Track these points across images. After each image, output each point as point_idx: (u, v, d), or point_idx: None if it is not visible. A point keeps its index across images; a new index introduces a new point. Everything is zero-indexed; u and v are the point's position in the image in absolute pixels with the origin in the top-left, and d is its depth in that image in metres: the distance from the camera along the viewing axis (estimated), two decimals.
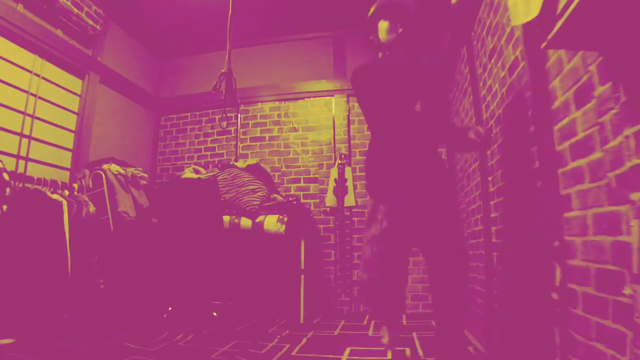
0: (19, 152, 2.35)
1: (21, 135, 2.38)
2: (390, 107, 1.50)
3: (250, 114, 3.66)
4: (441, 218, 1.44)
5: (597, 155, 0.93)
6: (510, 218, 1.64)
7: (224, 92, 1.69)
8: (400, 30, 1.53)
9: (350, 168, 3.28)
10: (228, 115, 1.71)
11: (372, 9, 1.58)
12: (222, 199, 2.90)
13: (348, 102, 3.42)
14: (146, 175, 3.00)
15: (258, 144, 3.59)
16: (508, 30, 1.56)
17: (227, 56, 1.76)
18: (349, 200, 3.20)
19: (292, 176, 3.44)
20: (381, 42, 1.57)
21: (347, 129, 3.38)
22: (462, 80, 2.52)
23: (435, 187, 1.46)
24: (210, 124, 3.75)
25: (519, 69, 1.47)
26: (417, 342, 2.06)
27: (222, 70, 1.69)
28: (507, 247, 1.68)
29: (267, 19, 3.44)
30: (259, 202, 2.90)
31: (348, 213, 3.21)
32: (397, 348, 1.68)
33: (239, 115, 3.67)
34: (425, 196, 1.43)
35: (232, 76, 1.72)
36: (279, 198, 3.00)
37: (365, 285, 1.49)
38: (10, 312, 1.79)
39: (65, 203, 2.08)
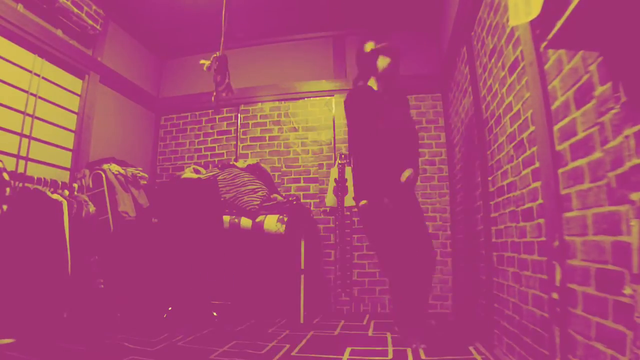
0: (19, 152, 2.35)
1: (21, 135, 2.38)
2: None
3: (250, 114, 3.66)
4: None
5: (597, 155, 0.93)
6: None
7: (214, 73, 1.68)
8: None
9: (350, 168, 3.27)
10: (221, 105, 1.75)
11: (371, 46, 2.08)
12: (222, 199, 2.90)
13: None
14: (146, 175, 2.99)
15: (258, 144, 3.59)
16: (508, 30, 1.57)
17: (221, 39, 1.74)
18: (349, 200, 3.20)
19: (292, 176, 3.44)
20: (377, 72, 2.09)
21: (347, 129, 3.38)
22: (462, 80, 2.52)
23: None
24: (210, 124, 3.75)
25: (519, 69, 1.47)
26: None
27: (216, 54, 1.67)
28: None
29: (267, 19, 3.44)
30: (259, 202, 2.90)
31: (348, 213, 3.21)
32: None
33: (239, 115, 3.67)
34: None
35: (226, 60, 1.72)
36: (279, 198, 3.00)
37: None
38: (10, 312, 1.79)
39: (65, 203, 2.08)
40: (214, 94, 1.69)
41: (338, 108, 3.41)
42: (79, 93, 2.89)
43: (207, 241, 2.65)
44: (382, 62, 2.03)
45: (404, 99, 2.14)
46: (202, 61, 1.68)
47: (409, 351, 1.87)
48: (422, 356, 1.78)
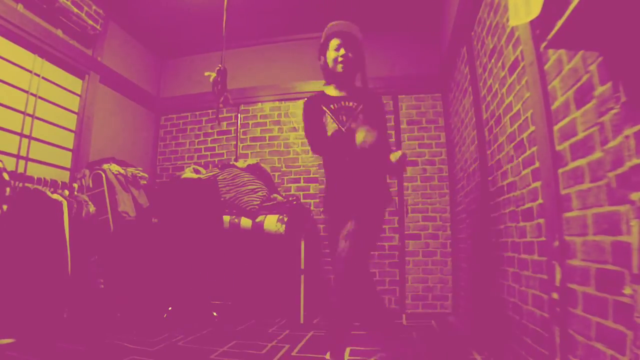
0: (19, 152, 2.35)
1: (21, 135, 2.38)
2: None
3: (250, 114, 3.66)
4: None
5: (597, 155, 0.93)
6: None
7: (219, 87, 1.72)
8: (349, 54, 1.60)
9: None
10: (222, 109, 1.77)
11: (324, 35, 1.66)
12: (222, 199, 2.90)
13: None
14: (146, 175, 2.99)
15: (258, 143, 3.59)
16: (508, 30, 1.57)
17: (222, 52, 1.77)
18: None
19: (292, 176, 3.44)
20: (329, 67, 1.64)
21: None
22: (462, 80, 2.52)
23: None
24: (210, 124, 3.75)
25: (519, 69, 1.47)
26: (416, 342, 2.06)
27: (218, 67, 1.70)
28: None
29: (267, 19, 3.43)
30: (259, 202, 2.90)
31: None
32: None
33: (239, 115, 3.66)
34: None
35: (226, 74, 1.74)
36: (279, 198, 3.00)
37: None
38: (10, 312, 1.79)
39: (65, 203, 2.08)
40: (217, 108, 1.75)
41: None
42: (79, 93, 2.89)
43: (207, 241, 2.65)
44: (331, 54, 1.62)
45: (372, 104, 1.64)
46: (207, 73, 1.72)
47: (409, 351, 1.87)
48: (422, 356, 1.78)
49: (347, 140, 1.55)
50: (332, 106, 1.61)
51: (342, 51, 1.59)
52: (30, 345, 1.76)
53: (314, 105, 1.65)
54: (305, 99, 1.72)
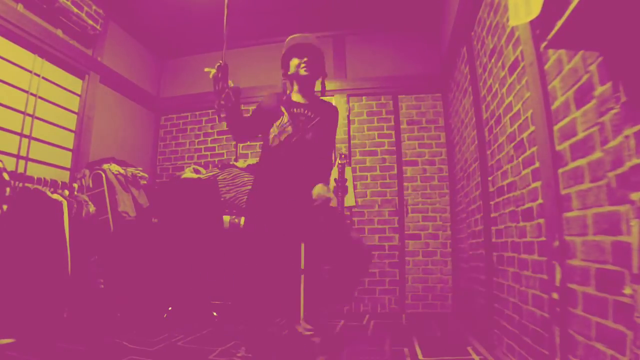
0: (19, 152, 2.35)
1: (21, 135, 2.38)
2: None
3: (251, 114, 3.65)
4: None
5: (597, 155, 0.93)
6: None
7: (220, 84, 1.70)
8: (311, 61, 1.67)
9: (350, 168, 3.28)
10: (223, 107, 1.74)
11: (284, 50, 1.72)
12: (222, 199, 2.90)
13: (348, 102, 3.43)
14: (146, 175, 2.99)
15: (258, 144, 3.58)
16: (508, 30, 1.57)
17: (224, 48, 1.75)
18: (349, 200, 3.20)
19: None
20: (292, 74, 1.72)
21: (347, 128, 3.38)
22: (462, 80, 2.52)
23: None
24: (210, 124, 3.75)
25: (519, 69, 1.47)
26: (416, 342, 2.06)
27: (219, 63, 1.68)
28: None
29: (267, 19, 3.44)
30: None
31: (348, 213, 3.21)
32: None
33: None
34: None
35: (227, 69, 1.72)
36: None
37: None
38: (10, 312, 1.79)
39: (65, 203, 2.08)
40: (216, 106, 1.73)
41: (338, 108, 3.40)
42: (79, 93, 2.89)
43: (207, 241, 2.65)
44: (294, 62, 1.68)
45: (328, 116, 1.74)
46: (207, 69, 1.69)
47: (407, 351, 1.87)
48: (420, 356, 1.78)
49: (295, 150, 1.62)
50: (293, 110, 1.68)
51: (305, 58, 1.66)
52: (30, 345, 1.76)
53: (275, 102, 1.73)
54: (271, 92, 1.79)
